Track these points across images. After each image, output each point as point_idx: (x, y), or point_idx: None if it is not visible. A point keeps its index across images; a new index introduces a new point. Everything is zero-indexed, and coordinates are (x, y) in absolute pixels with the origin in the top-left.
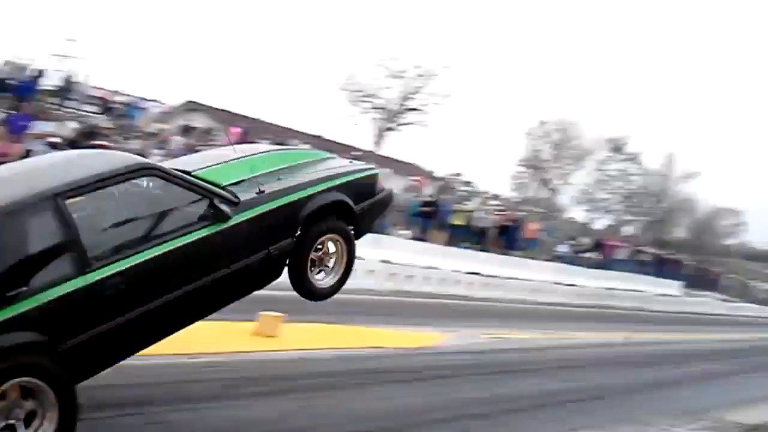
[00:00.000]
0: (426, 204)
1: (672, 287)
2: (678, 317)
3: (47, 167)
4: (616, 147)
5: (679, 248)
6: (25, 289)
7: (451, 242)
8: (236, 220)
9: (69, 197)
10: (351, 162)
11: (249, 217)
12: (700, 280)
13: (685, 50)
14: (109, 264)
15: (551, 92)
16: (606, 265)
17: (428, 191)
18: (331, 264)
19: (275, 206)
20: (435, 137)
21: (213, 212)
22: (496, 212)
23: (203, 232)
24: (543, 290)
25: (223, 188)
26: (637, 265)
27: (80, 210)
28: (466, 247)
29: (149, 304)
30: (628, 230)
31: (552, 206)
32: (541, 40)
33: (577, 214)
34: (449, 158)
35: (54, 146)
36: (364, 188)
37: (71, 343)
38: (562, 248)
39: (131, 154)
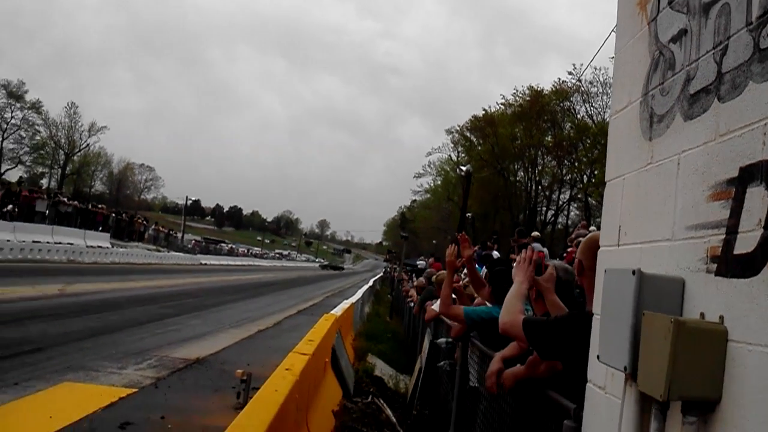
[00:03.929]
0: None
1: (100, 239)
2: (111, 267)
3: None
4: (15, 94)
5: (100, 201)
6: None
7: None
8: None
9: None
10: None
11: None
12: (125, 232)
13: None
14: None
15: None
16: (26, 218)
17: None
18: None
19: None
20: None
21: None
22: None
23: None
24: None
25: None
26: (60, 217)
27: None
28: None
29: None
30: (44, 183)
31: None
32: None
33: None
34: None
35: None
36: None
37: None
38: None
39: None
